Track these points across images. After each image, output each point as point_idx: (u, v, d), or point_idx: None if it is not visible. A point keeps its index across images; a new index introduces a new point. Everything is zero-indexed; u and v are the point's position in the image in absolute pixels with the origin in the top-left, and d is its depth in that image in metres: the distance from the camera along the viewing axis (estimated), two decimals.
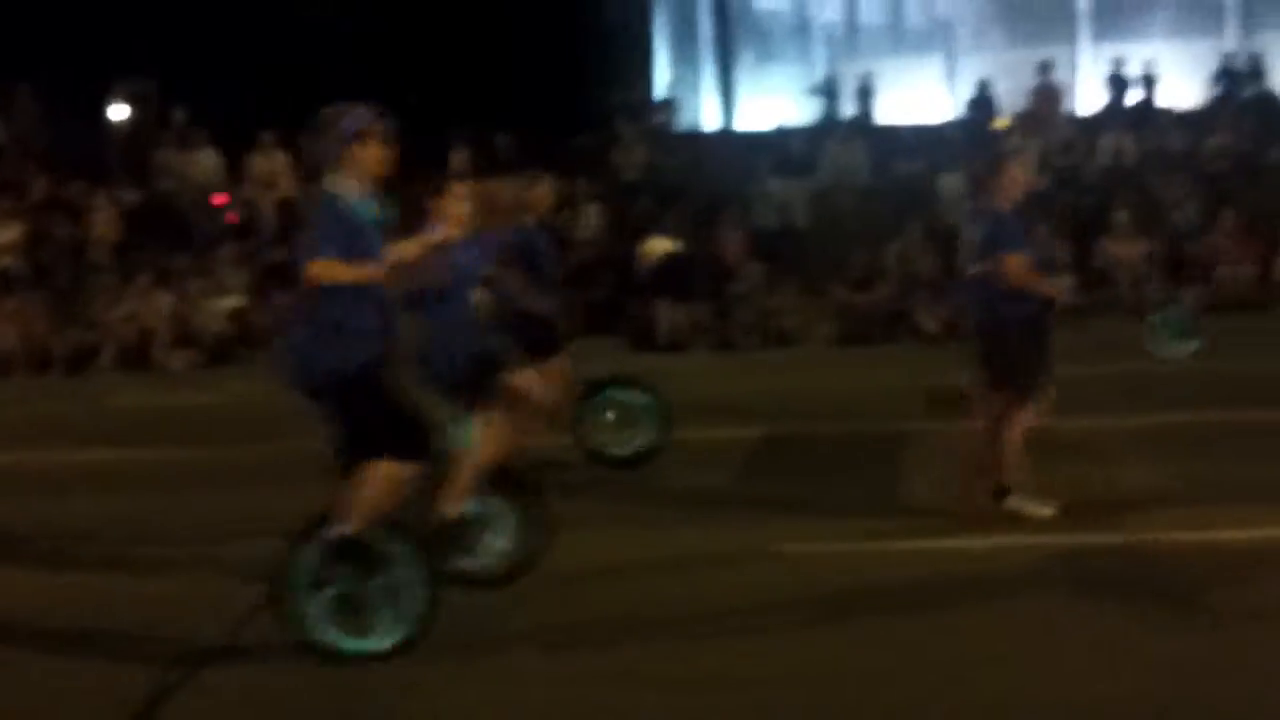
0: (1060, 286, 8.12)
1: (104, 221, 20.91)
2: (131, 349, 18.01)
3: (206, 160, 22.19)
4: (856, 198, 21.34)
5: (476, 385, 7.03)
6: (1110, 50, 23.23)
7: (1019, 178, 7.90)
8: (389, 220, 5.96)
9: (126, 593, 7.20)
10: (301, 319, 5.75)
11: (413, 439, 5.69)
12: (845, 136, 22.30)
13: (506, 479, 6.84)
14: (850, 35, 25.64)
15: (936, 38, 25.21)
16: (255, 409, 14.22)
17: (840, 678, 5.45)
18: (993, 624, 6.03)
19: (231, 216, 21.47)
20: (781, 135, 23.09)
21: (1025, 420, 7.79)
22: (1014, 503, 7.77)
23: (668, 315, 17.77)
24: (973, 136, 22.09)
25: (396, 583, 5.71)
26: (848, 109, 23.47)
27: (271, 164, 21.82)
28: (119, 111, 25.24)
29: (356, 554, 5.66)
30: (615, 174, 22.01)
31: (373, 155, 5.69)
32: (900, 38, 25.39)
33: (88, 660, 6.09)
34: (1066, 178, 20.64)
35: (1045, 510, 7.73)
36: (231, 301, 18.72)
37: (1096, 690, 5.18)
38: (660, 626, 6.12)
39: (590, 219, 20.69)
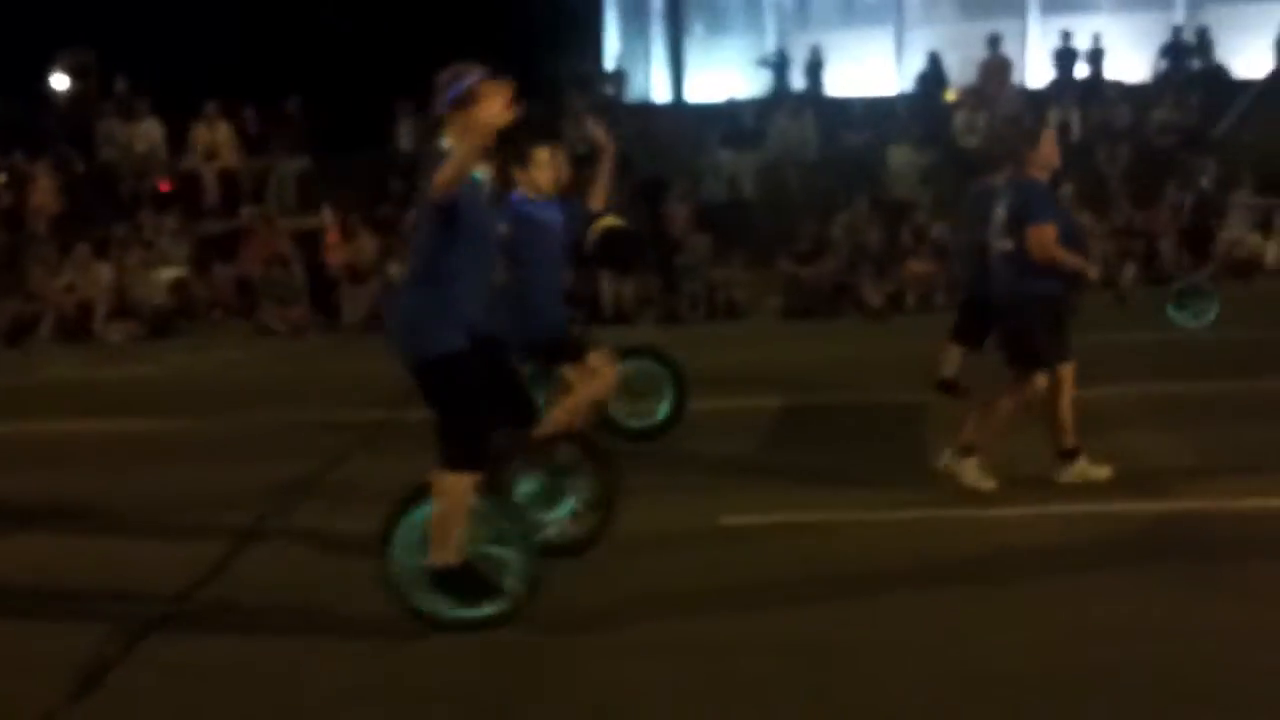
0: (1090, 265, 7.93)
1: (43, 192, 20.66)
2: (71, 320, 17.81)
3: (149, 130, 21.94)
4: (805, 170, 21.35)
5: (560, 347, 7.01)
6: (1058, 24, 23.34)
7: (1051, 149, 7.76)
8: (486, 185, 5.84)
9: (69, 562, 7.11)
10: (409, 285, 5.62)
11: (476, 447, 5.57)
12: (794, 109, 22.28)
13: (580, 447, 6.74)
14: (800, 8, 25.65)
15: (886, 11, 25.24)
16: (195, 382, 14.16)
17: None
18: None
19: (164, 185, 21.25)
20: (731, 107, 23.08)
21: (1025, 397, 7.68)
22: (967, 471, 7.71)
23: (611, 288, 17.71)
24: (921, 109, 22.17)
25: (503, 558, 5.67)
26: (797, 81, 23.45)
27: (214, 134, 21.61)
28: (59, 82, 24.92)
29: (457, 583, 5.61)
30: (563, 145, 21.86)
31: (484, 117, 5.46)
32: (850, 10, 25.40)
33: (36, 626, 6.06)
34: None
35: (988, 484, 7.68)
36: (172, 273, 18.54)
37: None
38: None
39: None
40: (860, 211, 18.87)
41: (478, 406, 5.60)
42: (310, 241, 18.81)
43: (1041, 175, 7.74)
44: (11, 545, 7.47)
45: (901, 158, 20.63)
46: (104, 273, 18.10)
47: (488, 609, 5.65)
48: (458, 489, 5.53)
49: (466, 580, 5.59)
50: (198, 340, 17.22)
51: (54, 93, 25.13)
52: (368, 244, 18.39)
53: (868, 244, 18.33)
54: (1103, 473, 7.73)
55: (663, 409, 9.55)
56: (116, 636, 5.71)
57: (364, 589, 6.31)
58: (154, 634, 5.81)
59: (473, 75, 5.56)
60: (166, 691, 5.25)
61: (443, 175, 5.32)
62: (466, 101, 5.51)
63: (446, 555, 5.56)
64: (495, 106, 5.45)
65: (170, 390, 13.55)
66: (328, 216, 19.00)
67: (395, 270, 17.81)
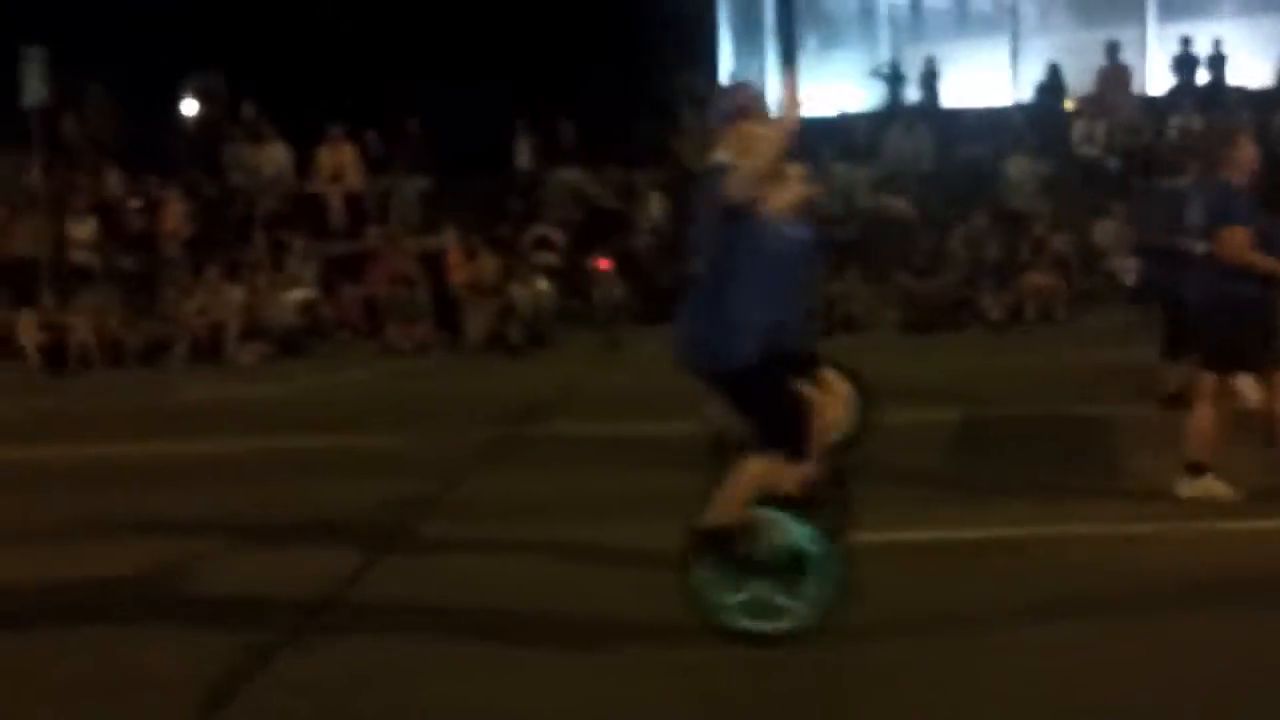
0: None
1: (175, 216, 21.20)
2: (204, 342, 18.27)
3: (277, 154, 22.45)
4: (921, 183, 21.28)
5: (803, 365, 6.85)
6: (1178, 29, 23.00)
7: (1250, 151, 7.68)
8: None
9: (200, 577, 7.29)
10: (695, 302, 5.70)
11: (797, 439, 5.61)
12: (909, 121, 22.22)
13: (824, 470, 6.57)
14: (915, 19, 25.55)
15: (1001, 20, 25.06)
16: (324, 400, 14.45)
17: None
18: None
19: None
20: (845, 121, 23.05)
21: (1236, 398, 7.59)
22: (1206, 483, 7.61)
23: None
24: (1039, 119, 22.01)
25: (789, 567, 5.60)
26: (912, 93, 23.38)
27: (339, 157, 22.04)
28: (189, 106, 25.54)
29: (722, 545, 5.61)
30: (678, 161, 22.01)
31: (757, 132, 5.58)
32: (965, 20, 25.25)
33: (167, 641, 6.17)
34: (1135, 159, 20.48)
35: (1230, 493, 7.53)
36: (301, 294, 18.95)
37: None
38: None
39: (654, 207, 20.79)
40: (978, 224, 18.80)
41: (790, 402, 5.64)
42: (433, 261, 19.15)
43: (1237, 177, 7.64)
44: (145, 560, 7.63)
45: (1019, 169, 20.50)
46: (235, 295, 18.55)
47: (784, 623, 5.59)
48: (764, 468, 5.57)
49: (730, 546, 5.58)
50: (326, 360, 17.58)
51: (184, 117, 25.74)
52: (489, 263, 18.69)
53: (986, 257, 18.25)
54: (1227, 491, 7.61)
55: (849, 424, 8.93)
56: (247, 651, 5.83)
57: (492, 600, 6.47)
58: (285, 649, 5.93)
59: (746, 94, 5.77)
60: (296, 708, 5.32)
61: (731, 186, 5.43)
62: (736, 117, 5.63)
63: (720, 518, 5.60)
64: (772, 128, 5.58)
65: (300, 409, 13.86)
66: (450, 236, 19.34)
67: (516, 290, 18.12)
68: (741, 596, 5.62)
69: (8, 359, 18.77)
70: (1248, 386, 7.73)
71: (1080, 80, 22.39)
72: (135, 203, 21.76)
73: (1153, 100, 22.38)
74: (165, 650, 6.03)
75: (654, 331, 17.24)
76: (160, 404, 14.80)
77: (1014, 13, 25.02)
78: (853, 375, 9.31)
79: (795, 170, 7.05)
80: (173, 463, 10.99)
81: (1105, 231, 18.57)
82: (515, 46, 25.85)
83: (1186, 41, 22.39)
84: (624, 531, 7.59)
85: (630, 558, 7.07)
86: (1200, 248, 7.70)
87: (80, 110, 23.19)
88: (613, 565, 7.03)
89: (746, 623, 5.63)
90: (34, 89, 20.94)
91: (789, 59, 21.94)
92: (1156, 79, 23.20)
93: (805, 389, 6.52)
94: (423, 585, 6.86)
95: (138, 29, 25.12)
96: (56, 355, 18.19)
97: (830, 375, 7.23)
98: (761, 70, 25.97)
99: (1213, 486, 7.62)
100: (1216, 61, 22.17)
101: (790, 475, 5.63)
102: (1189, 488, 7.65)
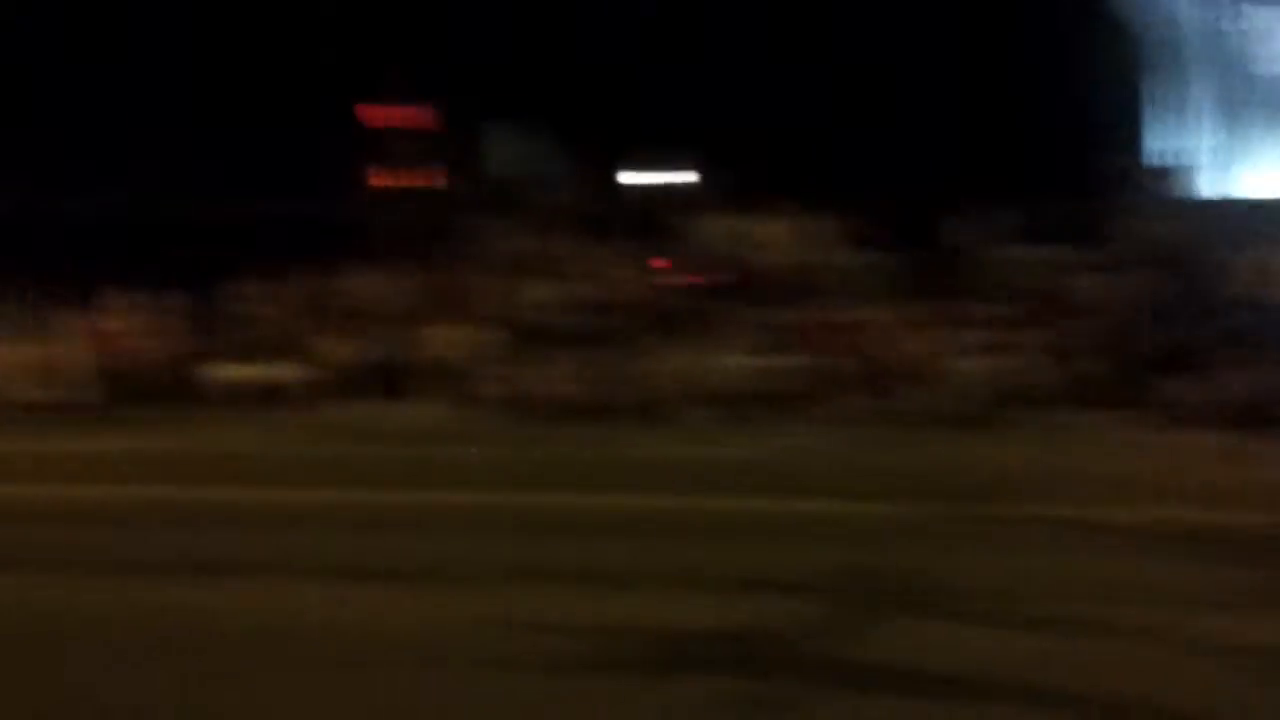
0: None
1: (629, 282, 22.38)
2: (653, 402, 19.21)
3: (726, 225, 23.37)
4: None
5: None
6: None
7: None
8: None
9: (673, 630, 7.62)
10: None
11: None
12: None
13: None
14: None
15: None
16: (773, 466, 14.65)
17: None
18: None
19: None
20: None
21: None
22: None
23: (1176, 388, 17.42)
24: None
25: None
26: None
27: (788, 229, 22.79)
28: (646, 178, 26.84)
29: None
30: (1117, 242, 21.72)
31: None
32: None
33: (642, 683, 6.53)
34: None
35: None
36: (747, 360, 19.70)
37: None
38: None
39: (1091, 289, 20.60)
40: None
41: None
42: (876, 333, 19.63)
43: None
44: (590, 609, 8.09)
45: None
46: (685, 359, 19.50)
47: None
48: None
49: None
50: (772, 426, 17.95)
51: (638, 189, 27.07)
52: (930, 337, 19.07)
53: None
54: None
55: None
56: (764, 703, 6.24)
57: (991, 670, 6.71)
58: (808, 701, 6.31)
59: None
60: None
61: None
62: None
63: None
64: None
65: (746, 472, 14.18)
66: (892, 309, 19.85)
67: (957, 366, 18.39)
68: None
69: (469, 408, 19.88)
70: None
71: None
72: (594, 268, 22.98)
73: None
74: (654, 697, 6.34)
75: (1089, 416, 17.21)
76: (607, 458, 15.37)
77: None
78: None
79: None
80: (623, 515, 11.53)
81: None
82: (951, 130, 26.20)
83: None
84: (1105, 616, 7.62)
85: (1144, 642, 7.22)
86: None
87: (549, 181, 24.78)
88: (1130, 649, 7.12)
89: None
90: (535, 162, 22.48)
91: (1231, 139, 20.97)
92: None
93: None
94: (903, 651, 7.04)
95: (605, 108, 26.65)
96: (516, 408, 19.42)
97: None
98: (1199, 151, 25.28)
99: None
100: None
101: None
102: None
